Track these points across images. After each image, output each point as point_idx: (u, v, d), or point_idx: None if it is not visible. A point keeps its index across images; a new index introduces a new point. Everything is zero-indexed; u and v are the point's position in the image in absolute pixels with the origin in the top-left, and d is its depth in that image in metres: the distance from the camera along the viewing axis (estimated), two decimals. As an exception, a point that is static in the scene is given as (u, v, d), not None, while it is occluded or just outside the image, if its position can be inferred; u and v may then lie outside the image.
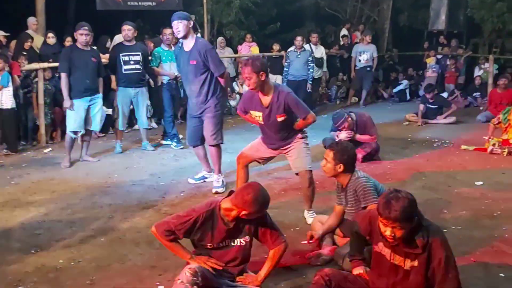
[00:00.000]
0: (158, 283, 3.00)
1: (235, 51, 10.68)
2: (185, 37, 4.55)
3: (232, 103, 9.36)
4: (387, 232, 2.31)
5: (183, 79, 4.84)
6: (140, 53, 6.30)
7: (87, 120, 5.87)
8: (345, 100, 10.85)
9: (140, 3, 9.97)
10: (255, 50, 10.47)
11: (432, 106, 8.49)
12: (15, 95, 6.46)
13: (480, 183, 4.96)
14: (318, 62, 9.32)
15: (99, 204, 4.47)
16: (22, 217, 4.13)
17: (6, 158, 6.28)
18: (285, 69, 8.86)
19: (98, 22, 7.17)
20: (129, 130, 7.63)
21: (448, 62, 11.34)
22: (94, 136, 6.71)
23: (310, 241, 3.32)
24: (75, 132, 5.81)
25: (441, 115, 8.50)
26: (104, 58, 6.58)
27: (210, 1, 10.92)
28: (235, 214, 2.68)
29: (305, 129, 3.96)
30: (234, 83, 9.74)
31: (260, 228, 2.81)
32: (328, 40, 12.92)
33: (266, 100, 3.76)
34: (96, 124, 6.02)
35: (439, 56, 11.70)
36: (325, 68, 10.03)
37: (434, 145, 6.85)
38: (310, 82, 8.67)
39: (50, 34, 7.76)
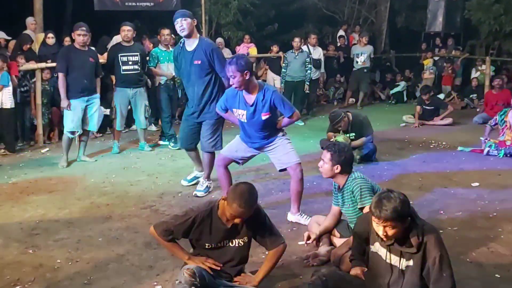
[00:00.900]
0: (155, 283, 3.01)
1: (233, 52, 10.68)
2: (189, 35, 4.40)
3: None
4: (379, 231, 2.34)
5: (185, 80, 4.63)
6: (138, 53, 6.30)
7: (84, 120, 5.88)
8: (343, 101, 10.88)
9: (137, 4, 9.98)
10: (253, 51, 10.48)
11: (429, 108, 8.52)
12: (13, 95, 6.46)
13: (477, 184, 4.99)
14: (316, 63, 9.34)
15: (96, 204, 4.48)
16: (19, 216, 4.14)
17: (3, 158, 6.28)
18: (282, 70, 8.88)
19: (95, 22, 7.15)
20: (127, 130, 7.62)
21: (445, 64, 11.37)
22: (91, 136, 6.71)
23: (307, 242, 3.33)
24: (73, 132, 5.82)
25: (438, 116, 8.53)
26: (102, 58, 6.59)
27: (208, 2, 10.95)
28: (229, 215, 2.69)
29: (284, 127, 4.00)
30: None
31: (258, 229, 2.82)
32: (325, 41, 12.92)
33: (250, 98, 3.77)
34: (93, 124, 6.02)
35: (436, 58, 11.75)
36: (322, 69, 10.04)
37: (431, 146, 6.88)
38: (308, 83, 8.69)
39: (50, 35, 7.75)
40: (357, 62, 10.26)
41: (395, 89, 11.35)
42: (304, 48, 9.18)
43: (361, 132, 5.99)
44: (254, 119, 3.81)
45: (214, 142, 4.59)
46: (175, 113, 7.87)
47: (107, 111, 7.21)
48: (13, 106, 6.42)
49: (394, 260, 2.44)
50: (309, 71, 8.70)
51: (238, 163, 4.22)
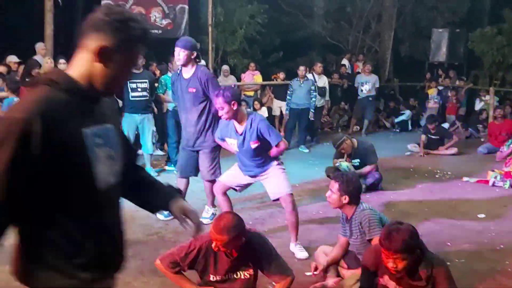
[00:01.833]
0: (162, 312, 2.99)
1: (239, 79, 10.83)
2: (184, 65, 4.46)
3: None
4: (390, 263, 2.35)
5: (180, 107, 4.68)
6: (147, 80, 6.41)
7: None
8: (347, 129, 10.95)
9: (146, 31, 10.17)
10: (258, 78, 10.63)
11: (434, 137, 8.56)
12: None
13: (483, 215, 4.98)
14: (321, 91, 9.45)
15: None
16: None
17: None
18: (287, 97, 8.98)
19: None
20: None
21: (449, 94, 11.48)
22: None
23: (315, 273, 3.33)
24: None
25: (443, 146, 8.56)
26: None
27: (215, 30, 11.16)
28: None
29: (280, 156, 4.05)
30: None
31: (264, 260, 2.80)
32: (329, 69, 13.11)
33: (240, 128, 3.90)
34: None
35: (441, 87, 11.86)
36: (327, 97, 10.15)
37: (436, 176, 6.89)
38: (313, 111, 8.77)
39: (62, 60, 7.87)
40: (362, 90, 10.37)
41: (400, 118, 11.43)
42: (310, 76, 9.31)
43: (366, 159, 6.02)
44: (245, 148, 3.92)
45: (213, 170, 4.60)
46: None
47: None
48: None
49: None
50: (314, 99, 8.79)
51: (235, 190, 4.28)
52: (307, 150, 8.50)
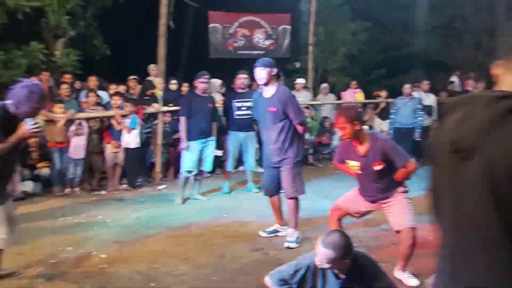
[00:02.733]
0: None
1: (338, 98, 10.74)
2: (266, 84, 4.51)
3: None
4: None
5: (261, 125, 4.77)
6: (251, 99, 6.61)
7: (200, 161, 6.24)
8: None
9: (249, 52, 10.56)
10: (360, 96, 10.45)
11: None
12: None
13: None
14: (428, 110, 9.02)
15: (210, 243, 4.67)
16: (142, 250, 4.44)
17: (126, 192, 6.86)
18: (391, 116, 8.70)
19: (207, 69, 7.58)
20: (235, 171, 7.91)
21: None
22: (204, 176, 7.07)
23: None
24: (190, 172, 6.19)
25: None
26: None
27: (315, 50, 11.22)
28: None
29: (407, 182, 3.77)
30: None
31: (374, 279, 2.74)
32: (436, 87, 12.47)
33: (362, 149, 3.67)
34: (208, 165, 6.37)
35: None
36: (434, 116, 9.63)
37: None
38: (419, 130, 8.39)
39: (173, 81, 8.45)
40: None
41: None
42: (416, 94, 8.94)
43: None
44: (368, 171, 3.68)
45: (296, 187, 4.57)
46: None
47: (219, 153, 7.59)
48: (137, 146, 7.04)
49: None
50: (420, 118, 8.42)
51: (354, 216, 4.05)
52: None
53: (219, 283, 3.72)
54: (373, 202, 3.85)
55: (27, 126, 3.22)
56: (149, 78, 8.87)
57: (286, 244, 4.54)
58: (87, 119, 6.91)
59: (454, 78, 11.54)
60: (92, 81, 7.75)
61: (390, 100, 9.48)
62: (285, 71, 11.63)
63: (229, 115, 6.66)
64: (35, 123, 3.25)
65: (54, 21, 8.25)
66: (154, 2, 10.54)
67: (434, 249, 1.37)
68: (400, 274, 3.77)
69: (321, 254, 2.61)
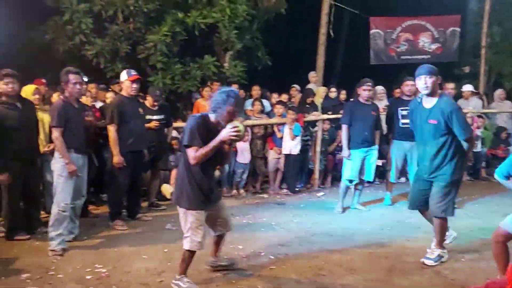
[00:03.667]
0: None
1: (517, 104, 9.58)
2: (431, 94, 4.12)
3: None
4: None
5: (417, 137, 4.36)
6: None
7: (361, 170, 6.12)
8: None
9: (414, 57, 10.07)
10: (543, 104, 9.17)
11: None
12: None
13: None
14: None
15: (375, 254, 4.53)
16: (307, 255, 4.49)
17: (286, 197, 7.07)
18: None
19: (364, 75, 7.34)
20: (397, 182, 7.59)
21: None
22: (365, 186, 6.92)
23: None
24: (350, 181, 6.12)
25: None
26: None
27: (489, 52, 10.21)
28: None
29: None
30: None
31: None
32: None
33: None
34: (369, 175, 6.21)
35: None
36: None
37: None
38: None
39: (333, 89, 8.49)
40: None
41: None
42: None
43: None
44: None
45: (445, 207, 4.16)
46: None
47: (380, 162, 7.36)
48: (298, 152, 7.21)
49: None
50: None
51: None
52: None
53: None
54: None
55: (226, 130, 3.38)
56: (309, 86, 9.05)
57: (422, 260, 4.27)
58: (252, 126, 7.32)
59: None
60: (255, 90, 8.20)
61: None
62: (452, 76, 10.81)
63: (393, 123, 6.40)
64: (235, 127, 3.38)
65: (225, 35, 8.93)
66: (314, 12, 10.79)
67: None
68: None
69: None
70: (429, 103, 4.18)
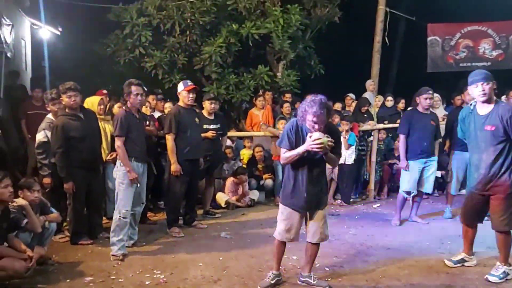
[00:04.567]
0: None
1: None
2: (488, 101, 3.98)
3: None
4: None
5: (472, 146, 4.17)
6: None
7: (420, 181, 5.93)
8: None
9: (473, 64, 9.68)
10: None
11: None
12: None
13: None
14: None
15: (435, 269, 4.35)
16: (362, 268, 4.39)
17: (341, 208, 6.97)
18: None
19: (421, 83, 7.12)
20: (457, 194, 7.28)
21: None
22: (423, 198, 6.69)
23: None
24: (408, 192, 5.94)
25: None
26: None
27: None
28: None
29: None
30: None
31: None
32: None
33: None
34: (428, 186, 6.01)
35: None
36: None
37: None
38: None
39: (389, 98, 8.30)
40: None
41: None
42: None
43: None
44: None
45: (508, 220, 3.95)
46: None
47: (439, 173, 7.10)
48: (352, 162, 7.10)
49: None
50: None
51: None
52: None
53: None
54: None
55: (308, 141, 3.49)
56: (365, 94, 8.91)
57: (486, 276, 4.07)
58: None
59: None
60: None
61: None
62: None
63: (454, 133, 6.15)
64: (317, 139, 3.43)
65: (278, 45, 8.99)
66: (369, 20, 10.64)
67: None
68: None
69: None
70: (484, 109, 4.03)
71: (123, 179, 4.69)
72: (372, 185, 7.57)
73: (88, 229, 5.19)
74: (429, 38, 10.29)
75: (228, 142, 7.29)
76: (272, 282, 3.90)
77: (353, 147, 7.02)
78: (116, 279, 4.10)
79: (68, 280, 4.06)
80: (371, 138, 7.62)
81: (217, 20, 9.09)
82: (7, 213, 3.90)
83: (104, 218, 5.67)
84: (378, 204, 7.15)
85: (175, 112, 5.53)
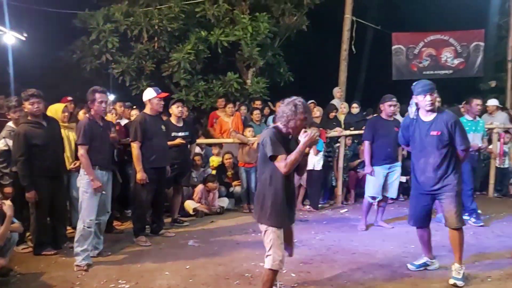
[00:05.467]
0: None
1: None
2: (433, 110, 4.17)
3: None
4: None
5: (417, 150, 4.31)
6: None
7: (384, 187, 6.06)
8: None
9: (435, 72, 9.98)
10: None
11: None
12: (318, 159, 7.26)
13: None
14: None
15: (399, 273, 4.45)
16: (329, 273, 4.44)
17: (309, 213, 7.04)
18: None
19: (386, 91, 7.29)
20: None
21: None
22: (388, 203, 6.83)
23: None
24: (373, 197, 6.06)
25: None
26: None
27: (515, 67, 10.05)
28: None
29: None
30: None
31: None
32: None
33: None
34: (393, 191, 6.14)
35: None
36: None
37: None
38: None
39: (355, 105, 8.47)
40: None
41: None
42: None
43: None
44: None
45: (460, 216, 4.20)
46: (477, 186, 7.31)
47: (403, 178, 7.27)
48: (320, 168, 7.19)
49: None
50: None
51: None
52: None
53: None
54: None
55: (307, 134, 3.33)
56: (333, 101, 9.04)
57: (452, 281, 4.16)
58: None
59: None
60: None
61: None
62: (477, 91, 10.65)
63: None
64: (313, 130, 3.39)
65: (247, 53, 9.06)
66: (336, 28, 10.83)
67: None
68: None
69: None
70: (428, 117, 4.22)
71: (87, 188, 4.61)
72: (339, 191, 7.68)
73: (52, 239, 5.08)
74: (393, 47, 10.55)
75: (197, 149, 7.27)
76: None
77: (321, 153, 7.12)
78: (79, 290, 4.03)
79: (29, 292, 3.97)
80: (338, 144, 7.74)
81: (186, 27, 9.10)
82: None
83: (69, 227, 5.56)
84: (345, 210, 7.26)
85: (140, 120, 5.48)
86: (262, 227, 3.52)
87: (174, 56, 8.69)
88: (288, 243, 3.70)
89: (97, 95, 4.70)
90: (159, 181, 5.59)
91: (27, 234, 5.13)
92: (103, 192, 4.73)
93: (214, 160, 7.70)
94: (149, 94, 5.56)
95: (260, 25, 9.09)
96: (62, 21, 9.56)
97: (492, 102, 8.77)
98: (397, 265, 4.67)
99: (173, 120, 6.22)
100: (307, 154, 3.52)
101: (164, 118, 6.15)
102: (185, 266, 4.62)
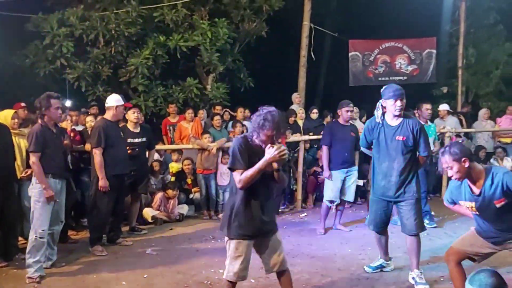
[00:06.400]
0: None
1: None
2: (400, 116, 4.24)
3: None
4: None
5: (381, 154, 4.32)
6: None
7: (342, 190, 6.17)
8: None
9: (391, 78, 10.28)
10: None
11: None
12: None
13: None
14: None
15: (357, 275, 4.54)
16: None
17: (269, 219, 7.04)
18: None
19: (345, 97, 7.44)
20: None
21: None
22: (346, 206, 6.95)
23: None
24: (331, 201, 6.15)
25: None
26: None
27: (465, 73, 10.49)
28: None
29: None
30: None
31: None
32: None
33: (476, 187, 3.34)
34: (350, 195, 6.26)
35: None
36: None
37: None
38: None
39: (314, 110, 8.59)
40: None
41: None
42: None
43: None
44: (486, 210, 3.35)
45: (421, 223, 4.27)
46: (431, 188, 7.56)
47: (360, 182, 7.43)
48: (280, 173, 7.23)
49: None
50: None
51: (473, 260, 3.67)
52: None
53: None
54: (496, 244, 3.50)
55: (271, 151, 3.09)
56: (292, 106, 9.14)
57: (418, 287, 4.23)
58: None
59: None
60: (240, 112, 8.26)
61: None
62: (430, 96, 11.04)
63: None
64: (280, 148, 3.10)
65: (207, 58, 9.03)
66: (295, 35, 10.98)
67: None
68: None
69: None
70: (394, 121, 4.27)
71: (39, 197, 4.45)
72: (299, 195, 7.75)
73: (2, 251, 4.87)
74: (350, 54, 10.80)
75: (156, 156, 7.17)
76: None
77: (280, 158, 7.16)
78: (31, 303, 3.88)
79: (-24, 308, 3.78)
80: (298, 149, 7.82)
81: (144, 32, 8.98)
82: None
83: (21, 238, 5.34)
84: (305, 214, 7.34)
85: (102, 125, 5.33)
86: (225, 237, 3.40)
87: (132, 61, 8.55)
88: (269, 255, 3.46)
89: (53, 101, 4.54)
90: (119, 188, 5.47)
91: (-25, 246, 4.90)
92: (57, 200, 4.58)
93: (174, 166, 7.60)
94: (115, 101, 5.43)
95: (219, 31, 9.09)
96: (14, 24, 9.23)
97: (443, 107, 9.12)
98: (355, 268, 4.75)
99: (129, 126, 6.11)
100: (278, 170, 3.25)
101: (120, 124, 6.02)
102: (143, 275, 4.54)
